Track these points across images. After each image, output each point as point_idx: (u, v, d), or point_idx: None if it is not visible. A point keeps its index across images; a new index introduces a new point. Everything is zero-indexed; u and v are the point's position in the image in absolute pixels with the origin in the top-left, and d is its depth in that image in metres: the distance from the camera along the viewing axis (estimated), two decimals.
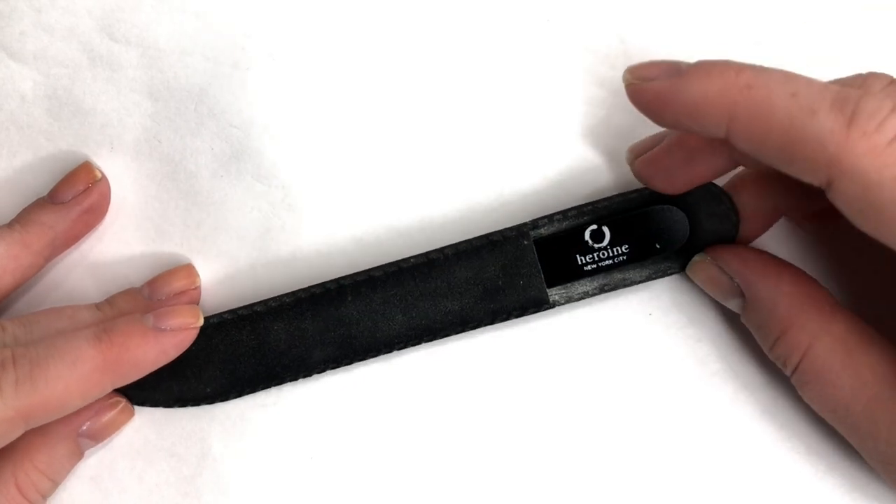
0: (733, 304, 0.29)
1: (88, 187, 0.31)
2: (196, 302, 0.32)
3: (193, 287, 0.32)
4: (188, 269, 0.32)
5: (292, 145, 0.32)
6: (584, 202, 0.30)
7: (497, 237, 0.30)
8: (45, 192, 0.32)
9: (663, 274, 0.30)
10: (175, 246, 0.33)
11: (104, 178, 0.32)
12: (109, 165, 0.32)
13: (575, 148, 0.32)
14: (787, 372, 0.28)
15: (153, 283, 0.31)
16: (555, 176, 0.32)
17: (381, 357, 0.31)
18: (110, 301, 0.31)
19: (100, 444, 0.32)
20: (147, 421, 0.32)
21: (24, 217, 0.31)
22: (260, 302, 0.31)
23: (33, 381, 0.26)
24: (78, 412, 0.29)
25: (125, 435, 0.32)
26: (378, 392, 0.32)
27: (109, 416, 0.31)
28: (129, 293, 0.31)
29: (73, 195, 0.31)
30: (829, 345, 0.27)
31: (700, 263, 0.30)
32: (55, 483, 0.30)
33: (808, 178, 0.24)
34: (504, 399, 0.32)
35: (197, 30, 0.32)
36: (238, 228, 0.32)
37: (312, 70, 0.33)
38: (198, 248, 0.33)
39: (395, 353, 0.31)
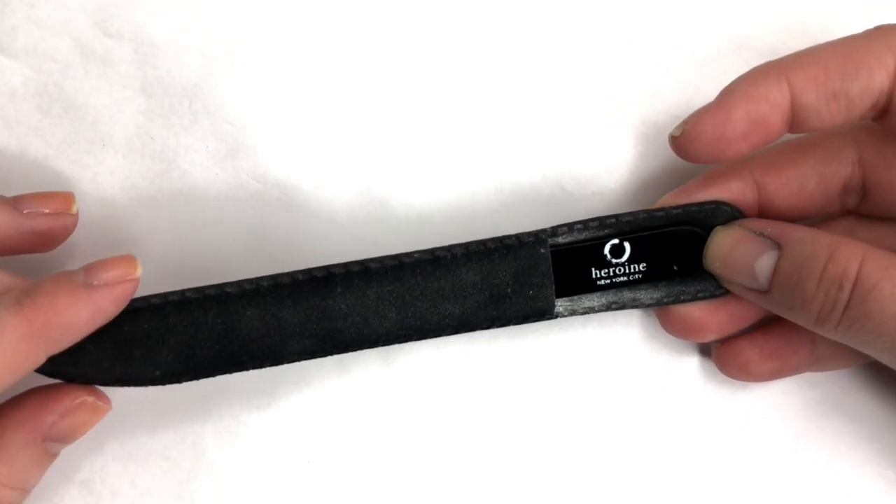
0: (764, 263, 0.27)
1: (58, 213, 0.29)
2: (128, 295, 0.27)
3: (131, 278, 0.27)
4: (129, 259, 0.27)
5: (288, 142, 0.32)
6: (606, 214, 0.29)
7: (512, 241, 0.28)
8: (31, 190, 0.31)
9: (675, 299, 0.29)
10: (167, 244, 0.32)
11: (77, 215, 0.29)
12: (101, 162, 0.32)
13: (603, 166, 0.32)
14: (843, 297, 0.25)
15: (89, 268, 0.27)
16: (578, 191, 0.31)
17: (380, 362, 0.30)
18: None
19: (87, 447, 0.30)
20: (139, 423, 0.32)
21: None
22: (233, 283, 0.27)
23: None
24: (34, 417, 0.27)
25: (117, 438, 0.31)
26: (376, 395, 0.32)
27: (76, 417, 0.27)
28: (61, 275, 0.27)
29: (37, 209, 0.28)
30: (883, 254, 0.25)
31: (722, 231, 0.28)
32: (24, 491, 0.28)
33: (875, 85, 0.25)
34: (504, 407, 0.32)
35: (192, 25, 0.32)
36: (232, 227, 0.32)
37: (308, 66, 0.32)
38: (191, 246, 0.32)
39: (394, 357, 0.29)
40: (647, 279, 0.29)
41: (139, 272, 0.27)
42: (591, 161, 0.32)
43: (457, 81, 0.32)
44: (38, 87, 0.32)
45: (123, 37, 0.32)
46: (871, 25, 0.31)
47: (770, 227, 0.27)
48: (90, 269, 0.26)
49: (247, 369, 0.28)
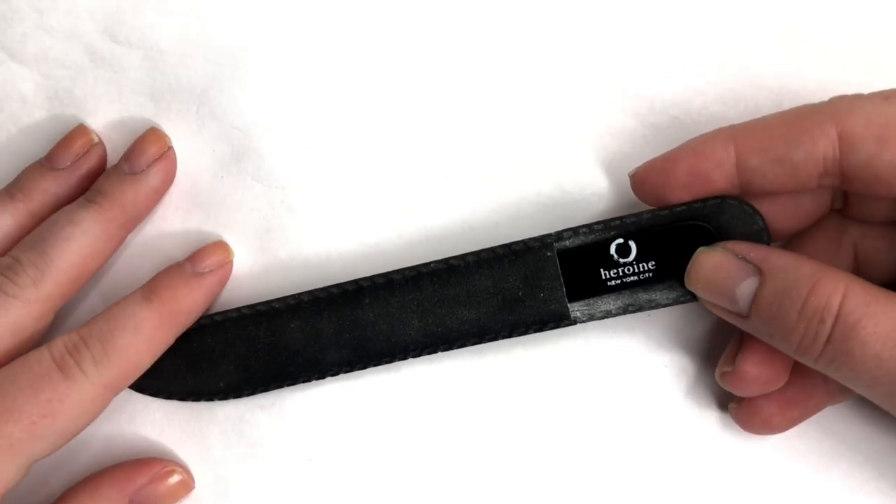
0: (745, 289, 0.27)
1: (87, 151, 0.32)
2: (228, 276, 0.32)
3: (228, 260, 0.32)
4: (222, 245, 0.32)
5: (293, 147, 0.33)
6: (610, 217, 0.30)
7: (519, 246, 0.29)
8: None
9: (692, 297, 0.29)
10: (175, 247, 0.32)
11: (101, 141, 0.32)
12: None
13: (602, 168, 0.32)
14: (825, 331, 0.25)
15: (193, 258, 0.31)
16: (578, 193, 0.32)
17: (393, 364, 0.30)
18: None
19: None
20: (146, 423, 0.32)
21: (24, 185, 0.31)
22: (279, 299, 0.31)
23: (108, 355, 0.28)
24: (130, 476, 0.31)
25: (125, 437, 0.32)
26: (378, 394, 0.32)
27: (164, 486, 0.31)
28: (171, 268, 0.31)
29: (72, 160, 0.31)
30: (865, 288, 0.25)
31: (704, 252, 0.28)
32: None
33: (818, 152, 0.26)
34: (512, 415, 0.32)
35: (199, 31, 0.32)
36: (238, 230, 0.32)
37: (314, 71, 0.33)
38: (197, 249, 0.32)
39: (405, 361, 0.30)
40: (659, 278, 0.29)
41: (233, 255, 0.32)
42: (591, 163, 0.32)
43: (460, 86, 0.33)
44: (48, 93, 0.33)
45: (132, 43, 0.32)
46: (865, 27, 0.32)
47: (753, 251, 0.27)
48: (194, 259, 0.31)
49: (295, 382, 0.31)
